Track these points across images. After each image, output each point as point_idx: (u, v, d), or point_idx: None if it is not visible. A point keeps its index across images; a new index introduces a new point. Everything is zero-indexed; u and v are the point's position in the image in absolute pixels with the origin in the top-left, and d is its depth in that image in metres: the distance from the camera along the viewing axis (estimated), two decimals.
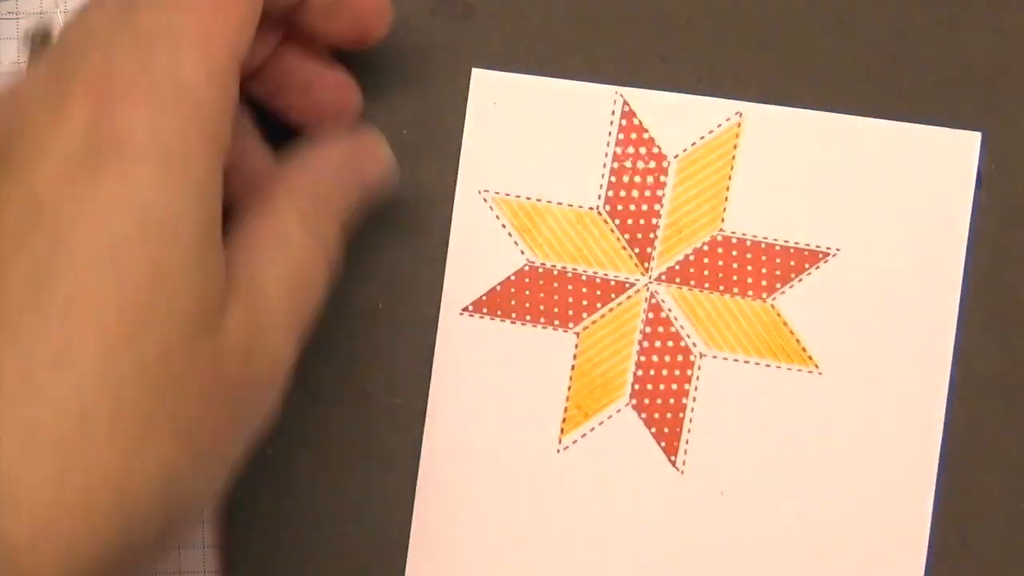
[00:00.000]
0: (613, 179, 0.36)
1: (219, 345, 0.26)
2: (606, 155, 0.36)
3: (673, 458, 0.36)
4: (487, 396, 0.36)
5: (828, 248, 0.35)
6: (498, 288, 0.36)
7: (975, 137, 0.35)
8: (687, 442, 0.35)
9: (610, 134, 0.36)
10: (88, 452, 0.24)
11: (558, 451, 0.36)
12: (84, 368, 0.24)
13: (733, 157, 0.35)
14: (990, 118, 0.35)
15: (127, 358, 0.24)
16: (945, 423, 0.35)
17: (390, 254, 0.37)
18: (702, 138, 0.36)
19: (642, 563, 0.36)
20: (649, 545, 0.36)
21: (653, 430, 0.36)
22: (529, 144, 0.36)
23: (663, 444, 0.36)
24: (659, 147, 0.36)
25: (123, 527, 0.24)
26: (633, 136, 0.36)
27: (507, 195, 0.36)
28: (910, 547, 0.35)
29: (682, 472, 0.35)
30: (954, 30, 0.35)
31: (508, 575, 0.36)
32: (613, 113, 0.36)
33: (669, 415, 0.36)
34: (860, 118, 0.35)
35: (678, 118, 0.36)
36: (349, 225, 0.32)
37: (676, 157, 0.36)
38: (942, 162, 0.35)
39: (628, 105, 0.36)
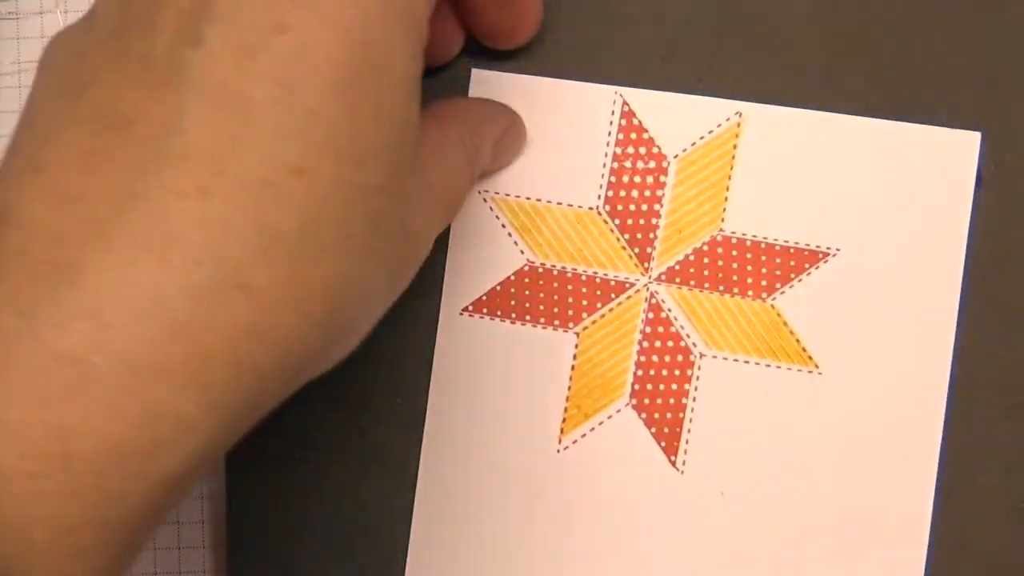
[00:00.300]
0: (613, 179, 0.36)
1: (408, 196, 0.28)
2: (606, 155, 0.36)
3: (673, 458, 0.36)
4: (487, 396, 0.36)
5: (828, 248, 0.35)
6: (498, 288, 0.36)
7: (975, 137, 0.35)
8: (687, 442, 0.35)
9: (610, 134, 0.36)
10: (317, 258, 0.25)
11: (558, 451, 0.36)
12: (321, 181, 0.25)
13: (733, 157, 0.35)
14: (990, 118, 0.35)
15: (355, 180, 0.25)
16: (945, 423, 0.35)
17: None
18: (702, 138, 0.36)
19: (642, 563, 0.36)
20: (649, 545, 0.36)
21: (653, 430, 0.36)
22: (529, 144, 0.36)
23: (663, 444, 0.36)
24: (659, 147, 0.36)
25: (325, 338, 0.26)
26: (633, 136, 0.36)
27: (507, 195, 0.36)
28: (910, 547, 0.35)
29: (682, 472, 0.35)
30: (954, 30, 0.35)
31: (508, 575, 0.36)
32: (613, 113, 0.36)
33: (669, 415, 0.36)
34: (860, 118, 0.35)
35: (678, 118, 0.36)
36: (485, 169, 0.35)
37: (676, 157, 0.36)
38: (942, 162, 0.35)
39: (628, 105, 0.36)
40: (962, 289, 0.35)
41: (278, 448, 0.37)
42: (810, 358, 0.35)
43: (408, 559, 0.36)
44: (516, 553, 0.36)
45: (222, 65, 0.25)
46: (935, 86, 0.35)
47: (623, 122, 0.36)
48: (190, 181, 0.24)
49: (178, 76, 0.25)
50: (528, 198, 0.36)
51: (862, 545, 0.35)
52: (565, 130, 0.36)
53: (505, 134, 0.35)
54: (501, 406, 0.36)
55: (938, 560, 0.35)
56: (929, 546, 0.35)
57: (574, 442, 0.36)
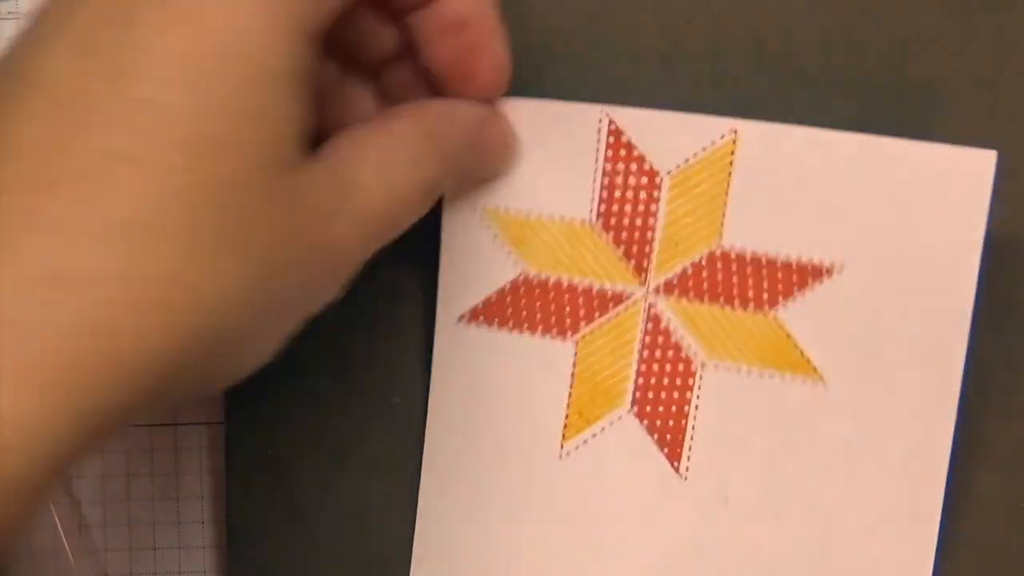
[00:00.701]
0: (605, 194, 0.34)
1: (296, 193, 0.27)
2: (595, 171, 0.34)
3: (676, 463, 0.35)
4: (488, 402, 0.35)
5: (832, 264, 0.33)
6: (494, 298, 0.35)
7: (991, 156, 0.32)
8: (690, 448, 0.35)
9: (598, 151, 0.34)
10: (158, 250, 0.24)
11: (560, 457, 0.35)
12: (155, 171, 0.24)
13: (729, 174, 0.33)
14: (994, 124, 0.34)
15: (196, 171, 0.25)
16: None
17: (390, 254, 0.35)
18: (695, 155, 0.33)
19: (645, 569, 0.35)
20: (652, 551, 0.35)
21: (656, 436, 0.35)
22: (521, 160, 0.34)
23: (666, 450, 0.35)
24: (650, 164, 0.34)
25: (192, 341, 0.25)
26: (623, 153, 0.34)
27: (497, 207, 0.35)
28: (915, 560, 0.34)
29: (685, 478, 0.35)
30: (959, 42, 0.34)
31: None
32: (600, 132, 0.34)
33: (671, 422, 0.35)
34: (863, 136, 0.32)
35: (669, 136, 0.34)
36: (462, 183, 0.34)
37: (669, 173, 0.34)
38: (955, 181, 0.32)
39: (615, 123, 0.34)
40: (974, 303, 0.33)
41: (278, 450, 0.37)
42: (814, 369, 0.34)
43: (412, 566, 0.37)
44: (519, 560, 0.36)
45: (59, 61, 0.25)
46: (937, 86, 0.34)
47: (611, 139, 0.34)
48: (21, 177, 0.24)
49: (15, 75, 0.25)
50: (520, 211, 0.34)
51: (866, 555, 0.34)
52: (554, 148, 0.34)
53: (483, 133, 0.33)
54: (502, 413, 0.35)
55: (939, 560, 0.35)
56: None
57: (576, 448, 0.35)
